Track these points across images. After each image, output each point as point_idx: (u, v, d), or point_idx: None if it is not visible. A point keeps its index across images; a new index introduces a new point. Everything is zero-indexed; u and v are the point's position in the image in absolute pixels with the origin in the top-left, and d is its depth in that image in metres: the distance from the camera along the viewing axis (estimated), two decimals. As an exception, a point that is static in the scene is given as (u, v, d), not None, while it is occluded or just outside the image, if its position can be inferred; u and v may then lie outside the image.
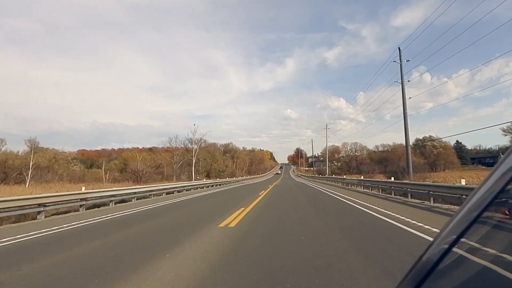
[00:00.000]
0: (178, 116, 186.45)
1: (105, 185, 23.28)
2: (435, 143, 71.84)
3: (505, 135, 60.37)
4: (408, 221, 7.17)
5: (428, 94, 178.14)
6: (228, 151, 76.25)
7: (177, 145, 43.97)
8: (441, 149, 71.75)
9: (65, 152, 47.55)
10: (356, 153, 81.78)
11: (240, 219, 8.20)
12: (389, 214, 8.68)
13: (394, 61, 21.91)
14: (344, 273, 3.54)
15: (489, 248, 0.57)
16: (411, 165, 22.43)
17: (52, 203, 9.60)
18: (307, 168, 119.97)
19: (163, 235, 6.22)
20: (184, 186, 22.23)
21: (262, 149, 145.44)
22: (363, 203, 12.11)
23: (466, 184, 11.06)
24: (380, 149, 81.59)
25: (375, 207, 10.49)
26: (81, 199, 10.96)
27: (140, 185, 22.29)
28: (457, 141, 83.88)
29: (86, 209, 11.05)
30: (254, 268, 3.85)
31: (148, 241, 5.75)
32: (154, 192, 17.02)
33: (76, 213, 10.54)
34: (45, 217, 9.27)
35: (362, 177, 28.08)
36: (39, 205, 9.09)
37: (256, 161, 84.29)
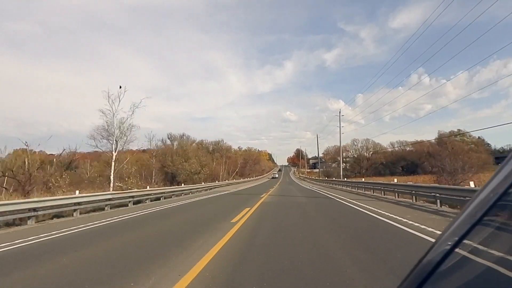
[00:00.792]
0: (177, 118, 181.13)
1: None
2: (465, 138, 59.86)
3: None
4: None
5: (428, 96, 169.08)
6: (218, 150, 63.90)
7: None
8: (473, 145, 59.66)
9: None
10: (369, 152, 69.29)
11: None
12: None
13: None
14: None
15: (491, 249, 0.56)
16: None
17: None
18: (309, 170, 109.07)
19: None
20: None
21: (260, 150, 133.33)
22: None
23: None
24: (396, 146, 69.38)
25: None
26: None
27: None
28: (478, 137, 71.03)
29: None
30: None
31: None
32: None
33: None
34: None
35: (395, 180, 17.49)
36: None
37: (251, 161, 71.74)
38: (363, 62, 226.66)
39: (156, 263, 4.27)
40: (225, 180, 40.27)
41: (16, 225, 8.71)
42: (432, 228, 6.37)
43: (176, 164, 30.89)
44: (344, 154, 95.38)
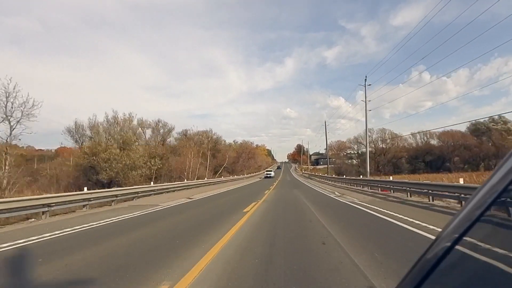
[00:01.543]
0: (177, 116, 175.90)
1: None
2: (510, 126, 48.14)
3: None
4: None
5: (427, 93, 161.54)
6: (200, 141, 52.37)
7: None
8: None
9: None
10: (387, 144, 57.50)
11: None
12: None
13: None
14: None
15: (492, 246, 0.55)
16: None
17: None
18: (312, 167, 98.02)
19: None
20: None
21: (258, 145, 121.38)
22: None
23: None
24: (418, 137, 57.75)
25: None
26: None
27: None
28: None
29: None
30: None
31: None
32: None
33: None
34: None
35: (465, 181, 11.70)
36: None
37: (244, 154, 59.85)
38: (364, 60, 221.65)
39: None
40: (204, 179, 29.00)
41: None
42: None
43: (100, 154, 19.18)
44: (348, 150, 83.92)
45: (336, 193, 17.20)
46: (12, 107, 16.15)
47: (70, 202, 10.37)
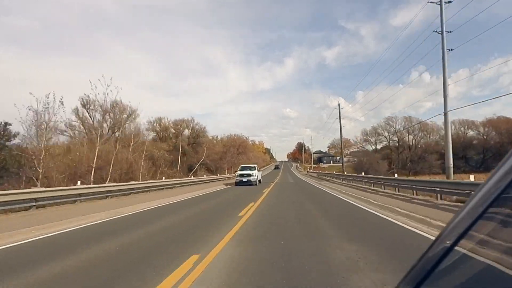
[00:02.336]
0: (177, 115, 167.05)
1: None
2: None
3: None
4: None
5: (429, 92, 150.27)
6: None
7: None
8: None
9: None
10: (415, 135, 45.47)
11: None
12: None
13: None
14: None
15: (493, 245, 0.54)
16: None
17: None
18: (315, 165, 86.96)
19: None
20: None
21: (256, 142, 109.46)
22: None
23: None
24: (453, 128, 46.02)
25: None
26: None
27: None
28: None
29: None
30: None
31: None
32: None
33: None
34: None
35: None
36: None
37: (233, 149, 47.35)
38: (364, 60, 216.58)
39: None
40: (154, 180, 17.20)
41: None
42: None
43: None
44: (351, 148, 72.24)
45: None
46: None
47: None
